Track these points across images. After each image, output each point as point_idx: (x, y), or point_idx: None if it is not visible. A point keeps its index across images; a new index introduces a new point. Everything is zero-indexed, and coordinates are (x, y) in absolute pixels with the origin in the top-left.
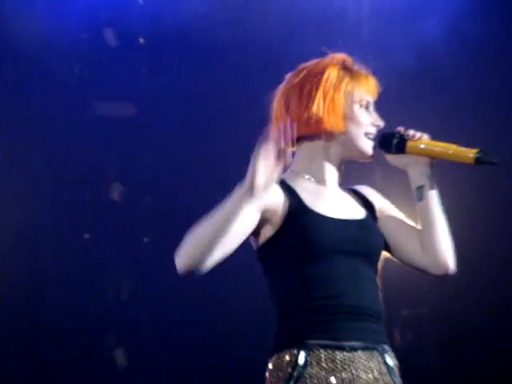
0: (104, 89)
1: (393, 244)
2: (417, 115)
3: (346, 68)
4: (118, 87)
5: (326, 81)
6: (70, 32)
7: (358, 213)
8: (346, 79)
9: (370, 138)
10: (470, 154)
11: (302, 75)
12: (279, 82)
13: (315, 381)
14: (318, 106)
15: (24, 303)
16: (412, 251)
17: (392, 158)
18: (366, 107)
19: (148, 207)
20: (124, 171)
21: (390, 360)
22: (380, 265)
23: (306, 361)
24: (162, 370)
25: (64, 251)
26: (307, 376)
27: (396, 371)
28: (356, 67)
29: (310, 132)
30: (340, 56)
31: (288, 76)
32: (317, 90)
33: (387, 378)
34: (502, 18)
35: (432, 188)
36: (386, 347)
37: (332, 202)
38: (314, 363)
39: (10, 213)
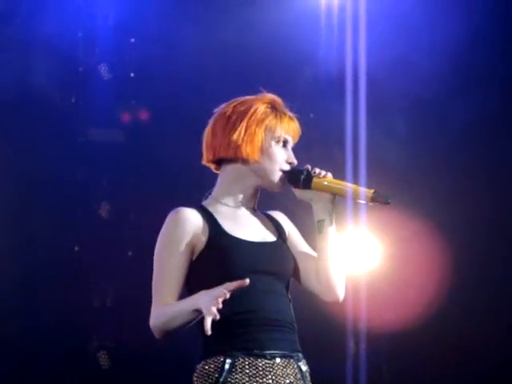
0: (96, 117)
1: (294, 267)
2: None
3: (273, 107)
4: (109, 116)
5: (252, 114)
6: (68, 64)
7: (270, 235)
8: (270, 117)
9: (281, 173)
10: (367, 193)
11: (231, 106)
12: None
13: None
14: (239, 135)
15: (16, 309)
16: (308, 277)
17: (298, 192)
18: (284, 145)
19: (132, 224)
20: (112, 191)
21: (304, 367)
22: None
23: (230, 367)
24: (142, 371)
25: (56, 261)
26: (232, 381)
27: (308, 376)
28: (282, 109)
29: (227, 155)
30: (271, 96)
31: (221, 107)
32: (241, 120)
33: (300, 382)
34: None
35: (331, 223)
36: (300, 355)
37: (247, 225)
38: (239, 370)
39: (5, 225)
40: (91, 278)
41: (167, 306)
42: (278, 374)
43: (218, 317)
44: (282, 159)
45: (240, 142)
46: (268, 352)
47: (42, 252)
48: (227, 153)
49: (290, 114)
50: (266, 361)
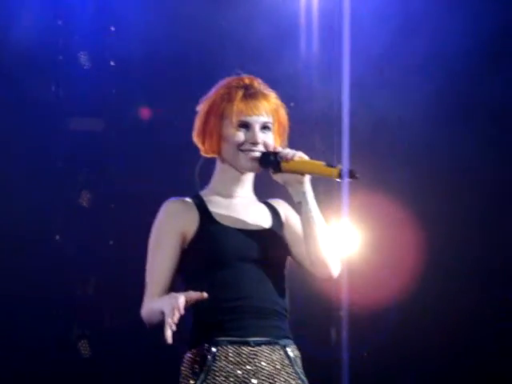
0: (76, 106)
1: (291, 251)
2: None
3: (228, 93)
4: (89, 105)
5: (208, 109)
6: (48, 53)
7: (264, 223)
8: (224, 104)
9: (246, 154)
10: (334, 169)
11: (199, 106)
12: None
13: (223, 373)
14: (198, 132)
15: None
16: (301, 260)
17: (274, 176)
18: (244, 127)
19: (113, 213)
20: (92, 180)
21: (292, 353)
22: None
23: (214, 355)
24: (123, 359)
25: (37, 250)
26: (216, 369)
27: (299, 362)
28: (241, 91)
29: (204, 153)
30: (230, 80)
31: None
32: (201, 118)
33: (289, 369)
34: None
35: (307, 204)
36: (289, 341)
37: (240, 214)
38: (223, 357)
39: None
40: (72, 267)
41: (151, 302)
42: (263, 361)
43: (174, 329)
44: (239, 141)
45: (203, 139)
46: (252, 339)
47: (23, 242)
48: (203, 151)
49: (255, 91)
50: (250, 348)
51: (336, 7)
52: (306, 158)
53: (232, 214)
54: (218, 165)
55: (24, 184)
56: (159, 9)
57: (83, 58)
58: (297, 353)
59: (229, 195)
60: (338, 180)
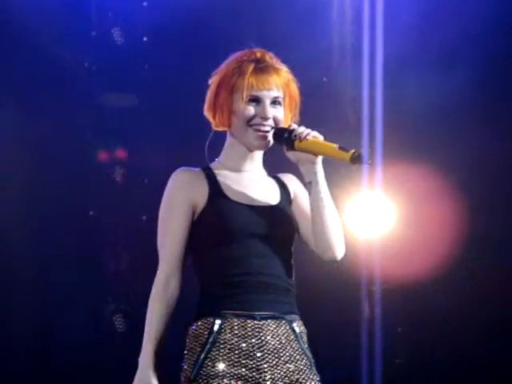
0: (109, 81)
1: (298, 228)
2: None
3: (239, 67)
4: (122, 80)
5: (219, 82)
6: (81, 29)
7: (272, 199)
8: (235, 78)
9: (256, 129)
10: (347, 153)
11: (214, 74)
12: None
13: (228, 346)
14: (209, 106)
15: (31, 273)
16: (307, 238)
17: (286, 152)
18: (254, 101)
19: (146, 188)
20: (126, 156)
21: (298, 328)
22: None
23: (220, 328)
24: None
25: (71, 226)
26: (221, 341)
27: (304, 338)
28: (253, 65)
29: (215, 126)
30: (242, 54)
31: None
32: (213, 92)
33: (295, 344)
34: None
35: (317, 185)
36: (295, 316)
37: (249, 189)
38: (228, 330)
39: (23, 189)
40: (106, 242)
41: (152, 313)
42: (268, 335)
43: None
44: (249, 115)
45: (213, 112)
46: (258, 313)
47: (58, 217)
48: (214, 124)
49: (266, 65)
50: (256, 321)
51: None
52: (320, 138)
53: (241, 189)
54: (228, 139)
55: (57, 159)
56: None
57: (116, 34)
58: (303, 328)
59: (238, 169)
60: (350, 163)
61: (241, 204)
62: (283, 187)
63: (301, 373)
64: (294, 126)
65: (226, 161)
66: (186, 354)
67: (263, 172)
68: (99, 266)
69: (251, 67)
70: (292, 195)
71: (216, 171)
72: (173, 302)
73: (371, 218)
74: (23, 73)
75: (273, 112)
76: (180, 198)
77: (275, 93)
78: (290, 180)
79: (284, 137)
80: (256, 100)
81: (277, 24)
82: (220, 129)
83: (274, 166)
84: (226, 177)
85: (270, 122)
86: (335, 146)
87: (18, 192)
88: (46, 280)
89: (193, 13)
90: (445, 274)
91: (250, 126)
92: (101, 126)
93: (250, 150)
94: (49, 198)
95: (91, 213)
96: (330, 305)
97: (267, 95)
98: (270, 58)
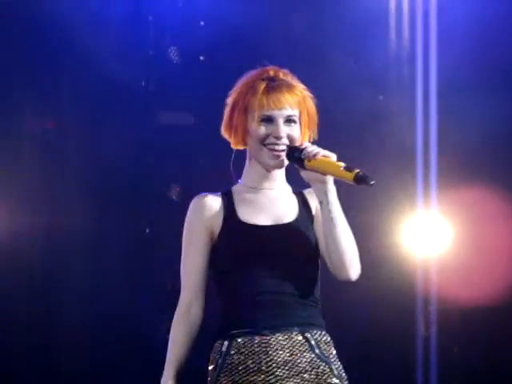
0: (166, 100)
1: (318, 245)
2: None
3: (252, 87)
4: (179, 99)
5: (234, 102)
6: (139, 48)
7: (288, 216)
8: (248, 97)
9: (270, 149)
10: (350, 173)
11: (230, 94)
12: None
13: (234, 366)
14: (225, 126)
15: (87, 291)
16: (324, 255)
17: (301, 172)
18: (267, 121)
19: None
20: (182, 174)
21: (313, 337)
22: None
23: (227, 349)
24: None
25: (128, 244)
26: (228, 362)
27: (325, 347)
28: (265, 83)
29: (233, 146)
30: (256, 74)
31: None
32: (228, 112)
33: (309, 354)
34: None
35: (328, 204)
36: (310, 327)
37: (265, 208)
38: (234, 350)
39: (79, 203)
40: (163, 259)
41: (173, 340)
42: (277, 348)
43: None
44: (262, 135)
45: (229, 133)
46: (266, 328)
47: (114, 234)
48: (232, 144)
49: (279, 84)
50: (263, 337)
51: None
52: (331, 157)
53: (256, 210)
54: (247, 158)
55: (114, 177)
56: (248, 2)
57: (173, 53)
58: (324, 338)
59: (258, 188)
60: (355, 183)
61: (251, 225)
62: (304, 204)
63: (316, 380)
64: (306, 145)
65: (246, 180)
66: (208, 378)
67: (286, 188)
68: (155, 284)
69: (263, 86)
70: (314, 211)
71: (235, 194)
72: (195, 329)
73: (428, 237)
74: (81, 90)
75: (287, 130)
76: (197, 226)
77: (288, 111)
78: (312, 195)
79: (294, 156)
80: (269, 119)
81: (333, 44)
82: (239, 148)
83: (300, 181)
84: (243, 198)
85: (284, 141)
86: (341, 165)
87: (75, 206)
88: (100, 296)
89: (249, 32)
90: (503, 295)
91: (265, 145)
92: (157, 143)
93: (267, 169)
94: (106, 214)
95: (147, 230)
96: (386, 323)
97: (280, 114)
98: (284, 75)
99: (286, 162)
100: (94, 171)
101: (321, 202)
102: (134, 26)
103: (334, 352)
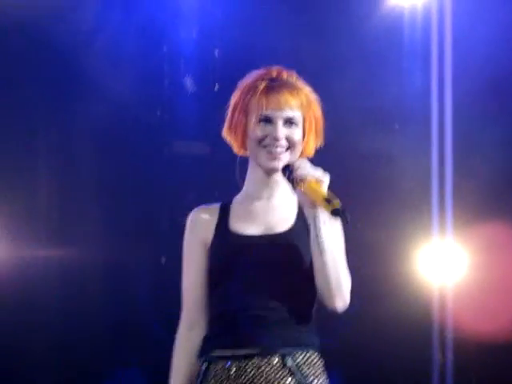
0: (182, 130)
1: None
2: None
3: (250, 88)
4: (194, 129)
5: (234, 105)
6: (153, 78)
7: (282, 226)
8: (247, 99)
9: (268, 151)
10: (327, 205)
11: (233, 94)
12: None
13: None
14: (226, 128)
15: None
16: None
17: (294, 190)
18: (266, 121)
19: None
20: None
21: (292, 361)
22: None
23: (205, 372)
24: None
25: (144, 273)
26: None
27: (306, 369)
28: (264, 84)
29: (236, 151)
30: (259, 72)
31: None
32: (229, 115)
33: (288, 380)
34: None
35: (315, 228)
36: (292, 349)
37: (259, 217)
38: (212, 374)
39: (94, 238)
40: (180, 287)
41: (174, 363)
42: (253, 375)
43: None
44: (259, 136)
45: (229, 135)
46: (244, 351)
47: (131, 264)
48: (234, 148)
49: (281, 84)
50: (239, 364)
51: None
52: (321, 181)
53: (249, 220)
54: (249, 163)
55: (130, 208)
56: (263, 32)
57: (188, 83)
58: (305, 360)
59: (256, 196)
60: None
61: (239, 235)
62: (303, 212)
63: None
64: (297, 165)
65: (247, 188)
66: None
67: (288, 196)
68: (171, 314)
69: (263, 85)
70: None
71: (234, 204)
72: (197, 350)
73: (444, 265)
74: (95, 120)
75: (286, 132)
76: (192, 241)
77: (289, 113)
78: None
79: (286, 175)
80: (268, 120)
81: (349, 71)
82: (241, 153)
83: None
84: (240, 208)
85: (283, 143)
86: (324, 195)
87: (91, 236)
88: (119, 329)
89: (264, 62)
90: None
91: (263, 147)
92: (173, 173)
93: (268, 173)
94: (122, 244)
95: (163, 259)
96: (402, 352)
97: (279, 115)
98: (289, 76)
99: (283, 166)
100: (109, 200)
101: (310, 225)
102: (149, 56)
103: (320, 372)
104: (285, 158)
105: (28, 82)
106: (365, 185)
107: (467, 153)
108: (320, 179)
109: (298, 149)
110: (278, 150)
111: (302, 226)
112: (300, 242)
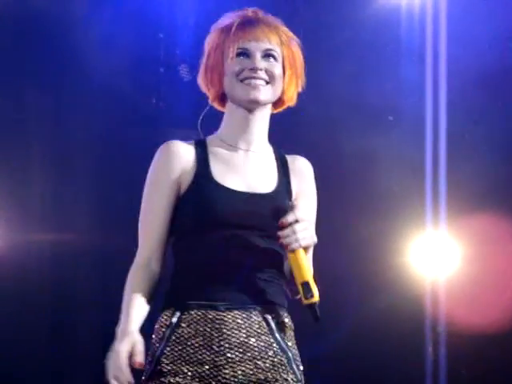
0: (177, 118)
1: None
2: None
3: (224, 27)
4: (189, 117)
5: (209, 43)
6: (149, 66)
7: (265, 186)
8: (222, 37)
9: (246, 83)
10: (303, 297)
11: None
12: None
13: (183, 340)
14: (201, 73)
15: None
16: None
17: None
18: (243, 55)
19: None
20: None
21: (272, 320)
22: None
23: (178, 321)
24: None
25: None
26: (177, 335)
27: (285, 331)
28: (238, 20)
29: (212, 100)
30: (229, 16)
31: None
32: (204, 57)
33: (267, 337)
34: None
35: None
36: (272, 307)
37: (240, 170)
38: (186, 324)
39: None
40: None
41: (130, 293)
42: (232, 327)
43: None
44: (237, 69)
45: (205, 80)
46: (222, 303)
47: (127, 252)
48: (210, 96)
49: (257, 19)
50: (219, 312)
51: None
52: (308, 252)
53: (230, 171)
54: (226, 109)
55: (127, 199)
56: None
57: (184, 71)
58: (282, 320)
59: (234, 144)
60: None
61: (225, 188)
62: (285, 175)
63: (272, 371)
64: (291, 231)
65: (222, 134)
66: (151, 346)
67: (267, 151)
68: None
69: (239, 21)
70: (292, 186)
71: (210, 147)
72: (154, 283)
73: (437, 258)
74: (90, 108)
75: (265, 65)
76: (164, 175)
77: (267, 45)
78: (298, 167)
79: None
80: (245, 54)
81: (343, 66)
82: (216, 102)
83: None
84: (218, 154)
85: (262, 74)
86: (305, 279)
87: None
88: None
89: None
90: None
91: (241, 80)
92: None
93: (250, 112)
94: (117, 231)
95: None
96: (394, 345)
97: (256, 46)
98: (265, 16)
99: (264, 99)
100: (103, 188)
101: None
102: (145, 43)
103: (293, 334)
104: (265, 91)
105: (21, 70)
106: (358, 179)
107: (461, 147)
108: (307, 246)
109: (279, 85)
110: (258, 81)
111: (285, 189)
112: (282, 206)
